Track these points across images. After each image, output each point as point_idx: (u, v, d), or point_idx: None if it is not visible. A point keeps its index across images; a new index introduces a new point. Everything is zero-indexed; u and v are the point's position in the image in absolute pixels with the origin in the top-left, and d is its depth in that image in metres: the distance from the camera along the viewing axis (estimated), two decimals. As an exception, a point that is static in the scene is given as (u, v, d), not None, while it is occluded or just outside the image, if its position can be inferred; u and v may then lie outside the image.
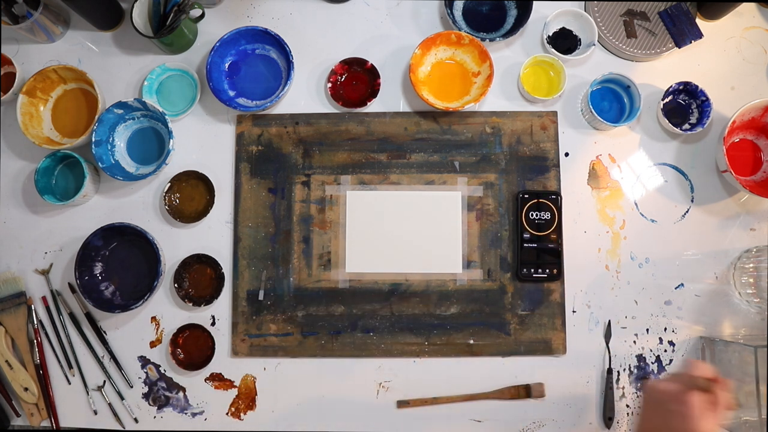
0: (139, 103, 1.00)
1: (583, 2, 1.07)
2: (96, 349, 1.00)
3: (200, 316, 1.00)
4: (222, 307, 1.00)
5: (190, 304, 0.99)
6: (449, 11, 1.04)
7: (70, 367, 0.99)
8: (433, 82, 1.04)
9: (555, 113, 1.04)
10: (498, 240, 1.01)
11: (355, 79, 1.06)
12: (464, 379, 0.98)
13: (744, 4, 1.05)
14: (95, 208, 1.04)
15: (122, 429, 0.98)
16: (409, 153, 1.03)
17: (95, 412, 0.99)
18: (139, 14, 1.01)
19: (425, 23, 1.08)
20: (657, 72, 1.05)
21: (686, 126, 1.02)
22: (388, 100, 1.05)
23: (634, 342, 0.99)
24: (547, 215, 0.99)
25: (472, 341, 0.98)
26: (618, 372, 0.98)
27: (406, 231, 1.02)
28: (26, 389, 0.97)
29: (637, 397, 0.97)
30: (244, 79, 1.06)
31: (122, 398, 0.98)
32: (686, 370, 0.70)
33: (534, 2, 1.04)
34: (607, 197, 1.02)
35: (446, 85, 1.04)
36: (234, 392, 0.99)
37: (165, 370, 1.00)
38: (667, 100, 1.01)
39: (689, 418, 0.64)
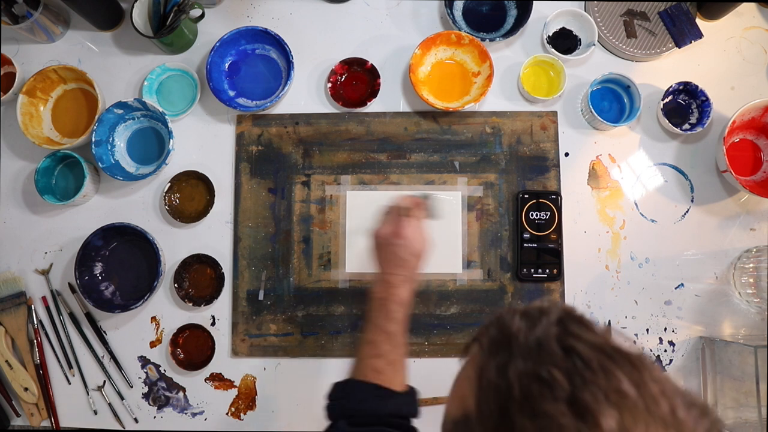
0: (139, 103, 1.00)
1: (583, 2, 1.07)
2: (96, 349, 1.00)
3: (200, 316, 1.00)
4: (222, 307, 1.00)
5: (190, 304, 0.99)
6: (449, 11, 1.04)
7: (70, 367, 0.99)
8: (433, 82, 1.04)
9: (555, 113, 1.04)
10: (498, 240, 1.01)
11: (355, 79, 1.06)
12: (464, 379, 0.98)
13: (744, 4, 1.05)
14: (95, 208, 1.04)
15: (122, 429, 0.98)
16: (409, 153, 1.03)
17: (95, 412, 0.99)
18: (139, 14, 1.01)
19: (425, 23, 1.08)
20: (657, 72, 1.05)
21: (686, 126, 1.02)
22: (388, 100, 1.05)
23: (634, 342, 0.98)
24: (547, 215, 0.99)
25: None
26: (618, 372, 0.97)
27: (406, 231, 1.02)
28: (26, 389, 0.97)
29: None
30: (244, 79, 1.06)
31: (122, 398, 0.98)
32: (391, 209, 0.83)
33: (534, 2, 1.04)
34: (607, 197, 1.02)
35: (446, 85, 1.04)
36: (234, 392, 0.99)
37: (165, 370, 1.00)
38: (667, 100, 1.01)
39: (405, 244, 0.78)
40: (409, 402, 0.73)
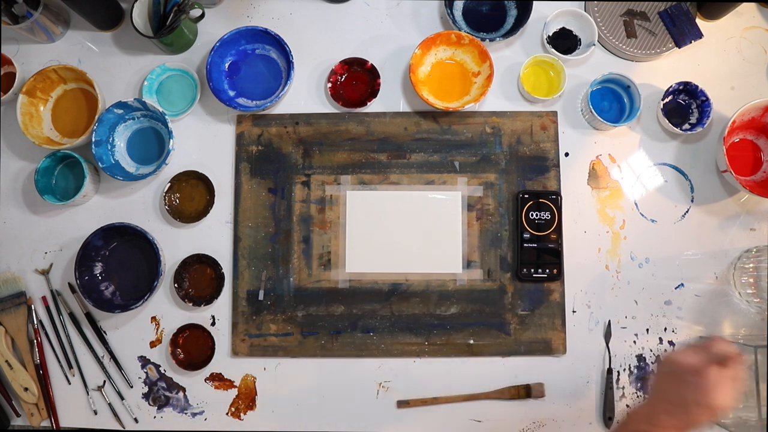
0: (139, 103, 1.00)
1: (583, 2, 1.07)
2: (96, 349, 1.00)
3: (200, 316, 1.00)
4: (222, 307, 1.00)
5: (190, 304, 0.99)
6: (449, 11, 1.04)
7: (70, 367, 0.99)
8: (433, 82, 1.04)
9: (555, 113, 1.04)
10: (498, 240, 1.01)
11: (355, 79, 1.06)
12: (464, 379, 0.98)
13: (744, 4, 1.05)
14: (95, 208, 1.04)
15: (122, 429, 0.98)
16: (409, 153, 1.03)
17: (95, 412, 0.99)
18: (139, 14, 1.01)
19: (425, 23, 1.08)
20: (657, 72, 1.05)
21: (686, 126, 1.02)
22: (388, 100, 1.05)
23: (634, 342, 0.99)
24: (547, 215, 0.99)
25: (472, 341, 0.98)
26: (618, 372, 0.98)
27: (406, 231, 1.02)
28: (26, 389, 0.97)
29: (638, 397, 0.97)
30: (244, 79, 1.06)
31: (122, 398, 0.98)
32: (706, 344, 0.69)
33: (534, 2, 1.04)
34: (607, 197, 1.02)
35: (446, 85, 1.04)
36: (234, 392, 0.99)
37: (165, 370, 1.00)
38: (667, 100, 1.01)
39: (705, 390, 0.64)
40: None
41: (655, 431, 0.65)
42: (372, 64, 1.04)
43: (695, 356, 0.67)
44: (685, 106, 1.04)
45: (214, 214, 1.02)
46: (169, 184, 1.01)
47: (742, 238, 1.01)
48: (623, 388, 0.97)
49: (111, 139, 1.02)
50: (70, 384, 0.99)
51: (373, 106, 1.04)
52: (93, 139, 0.98)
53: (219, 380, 0.99)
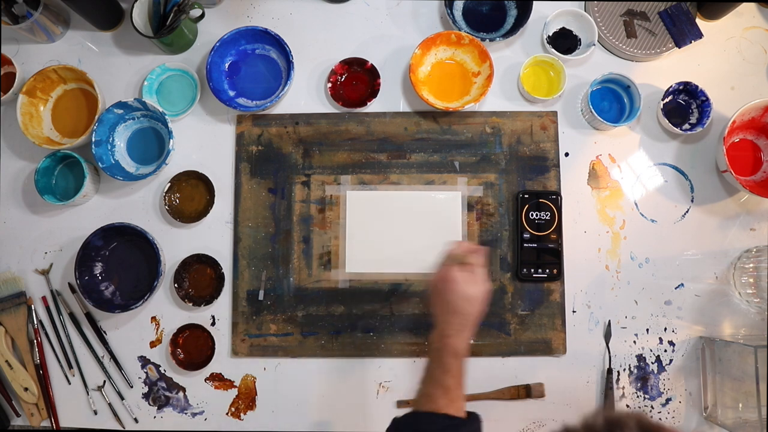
0: (139, 103, 1.00)
1: (583, 2, 1.07)
2: (96, 349, 1.00)
3: (200, 316, 1.00)
4: (222, 307, 1.00)
5: (190, 304, 0.99)
6: (449, 11, 1.04)
7: (70, 367, 0.99)
8: (433, 82, 1.04)
9: (555, 113, 1.04)
10: (498, 240, 1.01)
11: (355, 79, 1.06)
12: (464, 379, 0.98)
13: (744, 4, 1.05)
14: (95, 208, 1.04)
15: (122, 429, 0.98)
16: (409, 153, 1.03)
17: (95, 412, 0.99)
18: (139, 14, 1.01)
19: (425, 23, 1.08)
20: (657, 72, 1.05)
21: (686, 126, 1.02)
22: (388, 100, 1.05)
23: (634, 342, 0.99)
24: (547, 215, 0.99)
25: (472, 341, 0.98)
26: (618, 372, 0.98)
27: (406, 231, 1.02)
28: (26, 389, 0.97)
29: (638, 397, 0.97)
30: (244, 79, 1.06)
31: (122, 398, 0.98)
32: (446, 252, 0.82)
33: (534, 2, 1.04)
34: (607, 197, 1.02)
35: (446, 85, 1.04)
36: (234, 392, 0.99)
37: (165, 370, 1.00)
38: (667, 100, 1.01)
39: (456, 288, 0.77)
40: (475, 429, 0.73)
41: (449, 341, 0.75)
42: (372, 64, 1.04)
43: (440, 268, 0.80)
44: (685, 106, 1.04)
45: (214, 214, 1.02)
46: (169, 184, 1.01)
47: (742, 238, 1.01)
48: (623, 388, 0.97)
49: (111, 139, 1.02)
50: (70, 384, 0.99)
51: (373, 106, 1.04)
52: (93, 139, 0.98)
53: (219, 380, 0.99)
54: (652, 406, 0.97)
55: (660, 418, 0.97)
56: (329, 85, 1.04)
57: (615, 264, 1.00)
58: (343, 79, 1.06)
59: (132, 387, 0.99)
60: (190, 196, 1.03)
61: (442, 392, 0.73)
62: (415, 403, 0.75)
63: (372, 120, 1.04)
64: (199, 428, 0.98)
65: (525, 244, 0.99)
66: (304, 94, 1.06)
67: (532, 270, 0.99)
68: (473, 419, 0.74)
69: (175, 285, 0.99)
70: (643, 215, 1.02)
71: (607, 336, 0.98)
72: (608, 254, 1.01)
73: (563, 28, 1.07)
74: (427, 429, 0.70)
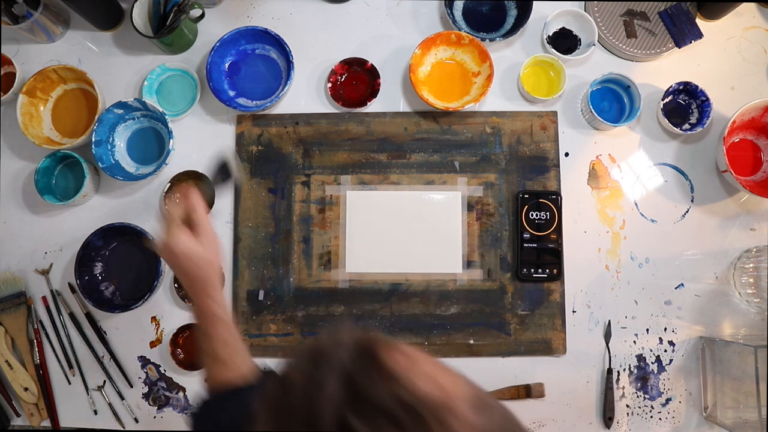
0: (139, 103, 1.00)
1: (583, 2, 1.07)
2: (96, 349, 1.00)
3: (200, 316, 1.00)
4: (222, 307, 1.00)
5: (191, 304, 0.98)
6: (449, 11, 1.04)
7: (70, 367, 0.99)
8: (433, 82, 1.04)
9: (555, 113, 1.04)
10: (498, 240, 1.01)
11: (355, 79, 1.06)
12: (464, 379, 0.98)
13: (744, 4, 1.05)
14: (95, 208, 1.04)
15: (122, 429, 0.98)
16: (409, 153, 1.03)
17: (95, 412, 0.99)
18: (139, 14, 1.01)
19: (425, 23, 1.08)
20: (657, 72, 1.05)
21: (686, 126, 1.02)
22: (388, 100, 1.05)
23: (634, 342, 0.99)
24: (547, 215, 0.99)
25: (472, 341, 0.98)
26: (618, 372, 0.98)
27: (406, 231, 1.02)
28: (26, 389, 0.97)
29: (637, 397, 0.97)
30: (244, 79, 1.06)
31: (122, 398, 0.98)
32: (164, 217, 0.78)
33: (534, 2, 1.03)
34: (607, 197, 1.02)
35: (446, 85, 1.04)
36: (234, 392, 0.99)
37: (165, 370, 1.00)
38: (667, 100, 1.01)
39: (181, 255, 0.72)
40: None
41: (204, 308, 0.72)
42: (372, 64, 1.04)
43: (161, 237, 0.73)
44: (685, 106, 1.03)
45: (214, 214, 1.02)
46: (169, 184, 1.01)
47: (742, 238, 1.01)
48: (623, 388, 0.97)
49: (111, 139, 1.02)
50: (70, 384, 0.99)
51: (373, 106, 1.04)
52: (93, 139, 0.98)
53: (219, 380, 0.99)
54: (652, 406, 0.97)
55: (660, 419, 0.97)
56: (329, 85, 1.04)
57: (615, 264, 1.00)
58: (343, 79, 1.06)
59: (132, 387, 0.99)
60: (190, 196, 1.03)
61: (222, 366, 0.71)
62: (206, 381, 0.73)
63: (372, 120, 1.04)
64: (199, 428, 0.98)
65: (525, 244, 0.99)
66: (304, 94, 1.06)
67: (532, 270, 0.99)
68: (265, 378, 0.71)
69: (175, 285, 0.99)
70: (643, 215, 1.02)
71: (607, 336, 0.98)
72: (608, 254, 1.01)
73: (563, 28, 1.07)
74: (219, 419, 0.66)
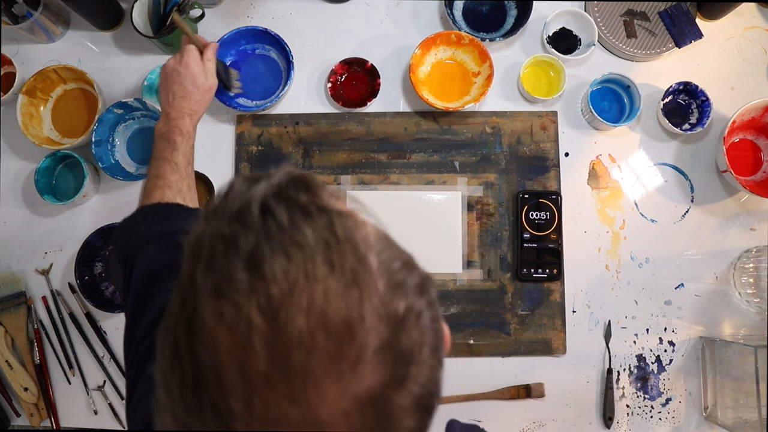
0: (139, 103, 1.00)
1: (583, 2, 1.07)
2: (96, 349, 1.00)
3: (200, 316, 1.00)
4: (222, 307, 1.00)
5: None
6: (449, 11, 1.04)
7: (70, 367, 0.99)
8: (433, 82, 1.04)
9: (555, 113, 1.04)
10: (498, 240, 1.01)
11: (355, 79, 1.06)
12: (464, 379, 0.98)
13: (744, 4, 1.05)
14: (95, 208, 1.03)
15: (122, 429, 0.98)
16: (409, 153, 1.03)
17: (95, 412, 0.98)
18: (139, 14, 1.01)
19: (425, 23, 1.08)
20: (657, 72, 1.05)
21: (686, 126, 1.02)
22: (388, 100, 1.05)
23: (634, 342, 0.99)
24: (547, 215, 0.99)
25: (472, 341, 0.98)
26: (618, 372, 0.98)
27: (406, 231, 1.02)
28: (26, 389, 0.97)
29: (637, 397, 0.97)
30: (244, 79, 1.05)
31: (122, 398, 0.98)
32: (187, 42, 0.88)
33: (534, 2, 1.03)
34: (607, 197, 1.02)
35: (446, 85, 1.04)
36: (234, 392, 0.98)
37: (165, 370, 0.99)
38: (667, 100, 1.01)
39: (192, 75, 0.83)
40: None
41: (178, 122, 0.79)
42: (372, 64, 1.04)
43: (181, 56, 0.85)
44: (685, 106, 1.04)
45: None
46: (169, 184, 1.01)
47: (742, 238, 1.01)
48: (623, 388, 0.97)
49: (111, 139, 1.02)
50: (70, 384, 0.99)
51: (373, 106, 1.04)
52: (93, 139, 0.98)
53: (219, 380, 0.99)
54: (652, 406, 0.97)
55: (660, 418, 0.97)
56: (329, 85, 1.04)
57: (615, 264, 1.00)
58: (343, 79, 1.06)
59: (132, 387, 0.99)
60: (190, 196, 1.03)
61: (171, 168, 0.75)
62: (144, 187, 0.75)
63: (372, 120, 1.04)
64: (199, 428, 0.98)
65: (525, 244, 0.99)
66: (304, 94, 1.06)
67: (532, 270, 0.99)
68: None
69: (175, 285, 0.99)
70: (643, 215, 1.02)
71: (607, 336, 0.98)
72: (608, 254, 1.01)
73: (563, 28, 1.07)
74: (147, 229, 0.68)
